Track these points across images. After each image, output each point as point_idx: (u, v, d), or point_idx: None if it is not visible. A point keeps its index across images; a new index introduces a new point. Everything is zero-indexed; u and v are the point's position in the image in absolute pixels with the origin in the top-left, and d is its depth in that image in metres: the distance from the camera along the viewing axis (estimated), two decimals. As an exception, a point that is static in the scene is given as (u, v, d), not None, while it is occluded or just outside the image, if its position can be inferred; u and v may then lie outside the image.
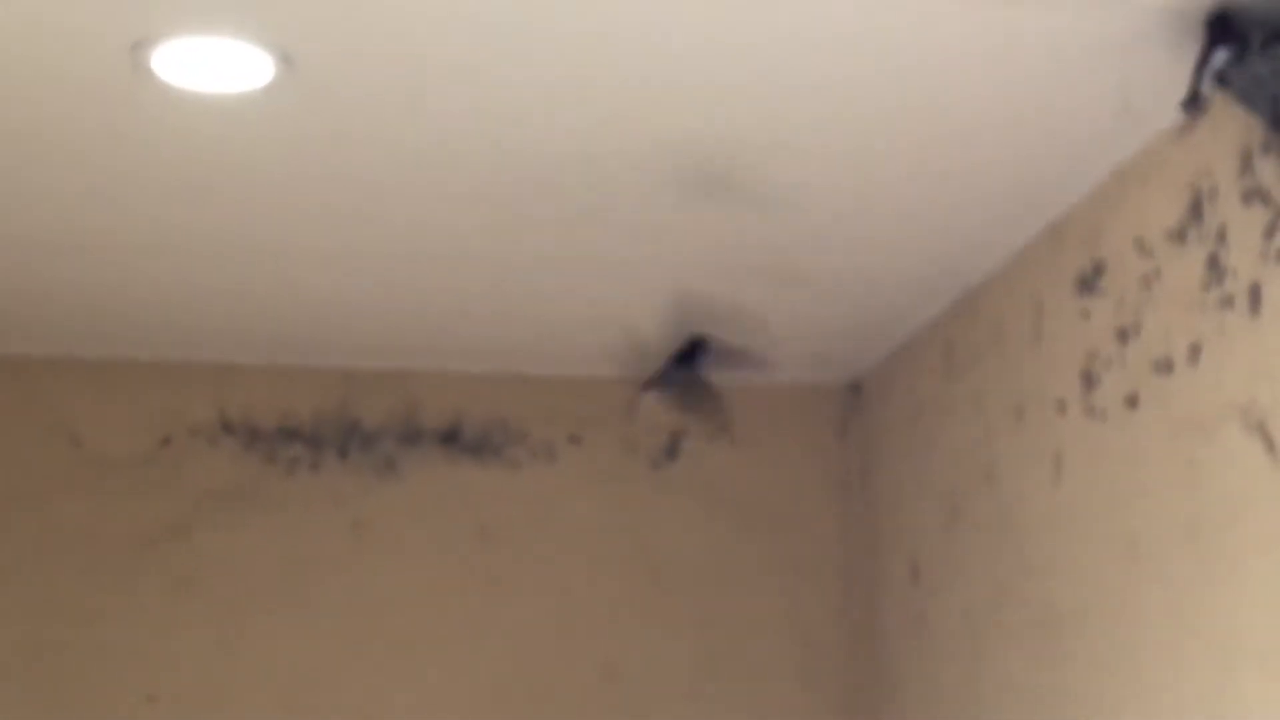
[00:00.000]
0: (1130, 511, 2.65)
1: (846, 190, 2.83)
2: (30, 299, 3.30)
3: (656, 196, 2.84)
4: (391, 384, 3.71)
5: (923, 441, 3.47)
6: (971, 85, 2.47)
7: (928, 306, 3.39)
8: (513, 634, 3.68)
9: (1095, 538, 2.76)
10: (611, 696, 3.68)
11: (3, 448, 3.58)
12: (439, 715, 3.63)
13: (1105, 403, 2.74)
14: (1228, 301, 2.39)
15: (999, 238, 3.03)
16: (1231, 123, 2.36)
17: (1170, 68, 2.33)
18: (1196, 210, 2.48)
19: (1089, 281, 2.80)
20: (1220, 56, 2.23)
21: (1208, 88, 2.27)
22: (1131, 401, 2.66)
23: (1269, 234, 2.31)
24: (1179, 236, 2.53)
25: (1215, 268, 2.43)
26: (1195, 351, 2.48)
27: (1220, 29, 2.21)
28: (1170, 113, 2.46)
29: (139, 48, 2.31)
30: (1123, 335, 2.69)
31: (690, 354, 3.19)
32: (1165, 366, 2.56)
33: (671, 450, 3.80)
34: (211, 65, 2.37)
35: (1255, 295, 2.34)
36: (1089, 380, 2.79)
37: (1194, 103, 2.28)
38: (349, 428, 3.70)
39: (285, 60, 2.35)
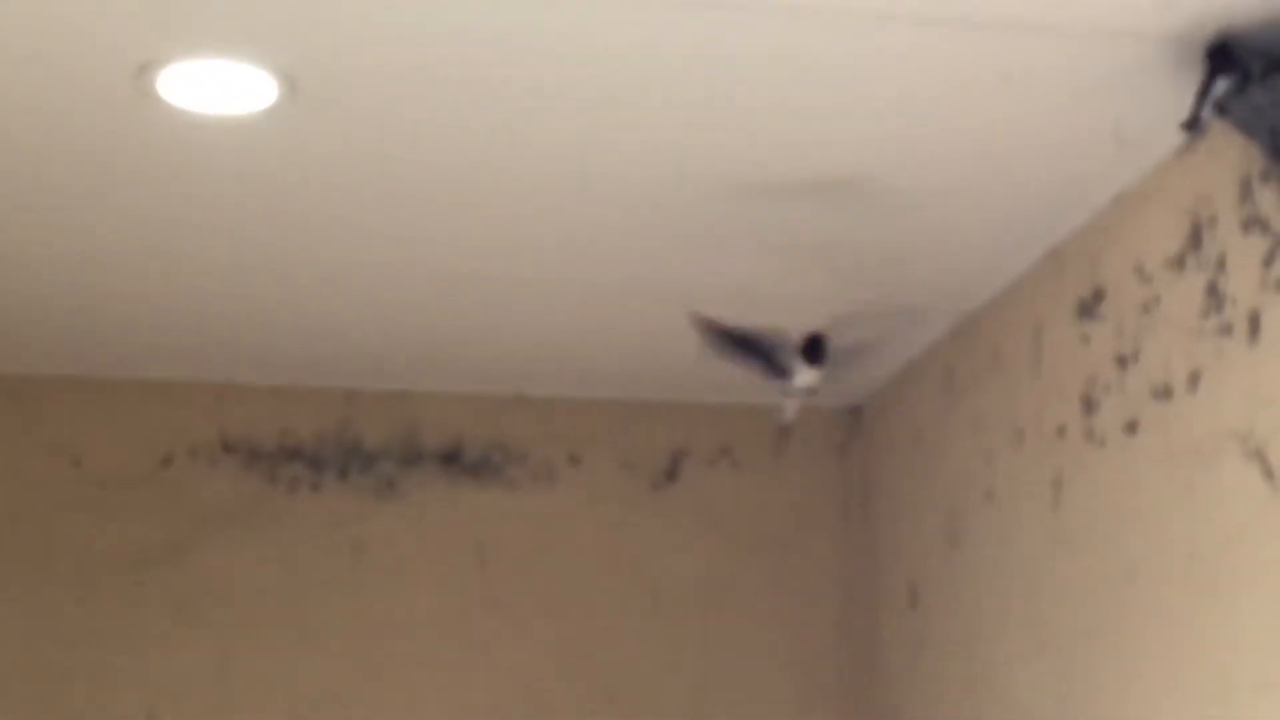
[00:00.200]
0: (1129, 537, 2.65)
1: (849, 216, 2.84)
2: (31, 318, 3.30)
3: (662, 219, 2.85)
4: (392, 405, 3.71)
5: (923, 465, 3.48)
6: (973, 113, 2.48)
7: (928, 331, 3.39)
8: (512, 655, 3.68)
9: (1094, 562, 2.76)
10: (611, 718, 3.68)
11: (2, 467, 3.58)
12: (438, 736, 3.63)
13: (1105, 428, 2.74)
14: (1227, 329, 2.40)
15: (999, 263, 3.03)
16: (1231, 151, 2.37)
17: (1171, 96, 2.34)
18: (1196, 238, 2.49)
19: (1089, 307, 2.81)
20: (1221, 86, 2.25)
21: (1208, 114, 2.29)
22: (1131, 427, 2.66)
23: (1268, 262, 2.31)
24: (1179, 264, 2.54)
25: (1214, 295, 2.44)
26: (1194, 378, 2.48)
27: (1221, 59, 2.23)
28: (1170, 141, 2.47)
29: (144, 70, 2.32)
30: (1122, 361, 2.70)
31: (814, 350, 2.98)
32: (1164, 393, 2.56)
33: (671, 472, 3.80)
34: (216, 87, 2.38)
35: (1254, 323, 2.34)
36: (1089, 405, 2.80)
37: (1194, 124, 2.29)
38: (350, 448, 3.70)
39: (289, 83, 2.36)
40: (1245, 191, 2.37)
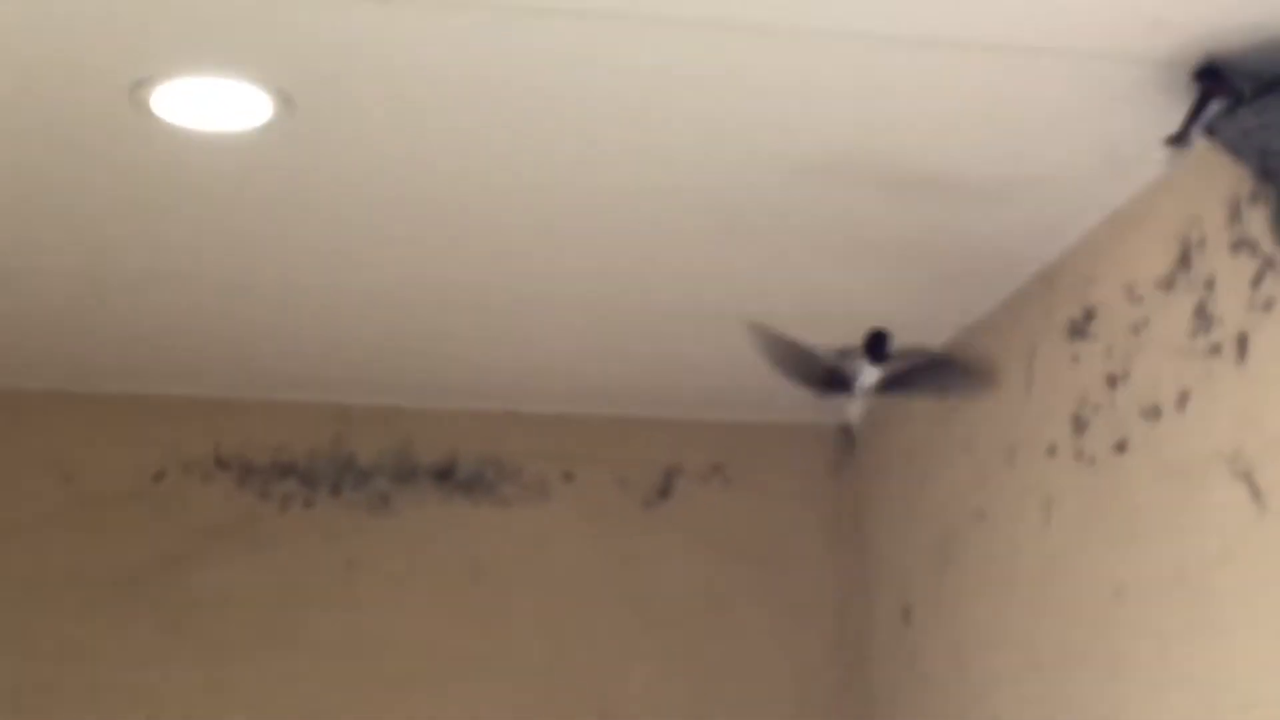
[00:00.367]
0: (1118, 556, 2.66)
1: (841, 233, 2.85)
2: (23, 332, 3.30)
3: (639, 239, 2.86)
4: (386, 421, 3.71)
5: (915, 483, 3.48)
6: (967, 135, 2.49)
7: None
8: (506, 671, 3.67)
9: (1084, 581, 2.77)
10: (604, 734, 3.69)
11: (-5, 481, 3.59)
12: (431, 752, 3.63)
13: (1095, 448, 2.75)
14: (1215, 350, 2.41)
15: (992, 283, 3.04)
16: (1220, 173, 2.38)
17: (1162, 118, 2.35)
18: (1186, 259, 2.50)
19: (1080, 327, 2.82)
20: (1212, 107, 2.26)
21: (1197, 135, 2.30)
22: (1120, 447, 2.67)
23: (1256, 283, 2.33)
24: (1168, 285, 2.55)
25: (1203, 316, 2.45)
26: (1183, 399, 2.49)
27: (1209, 81, 2.24)
28: (1161, 163, 2.48)
29: (139, 87, 2.32)
30: (1112, 381, 2.71)
31: (877, 346, 2.84)
32: (1154, 413, 2.57)
33: (664, 489, 3.81)
34: (211, 105, 2.39)
35: (1242, 344, 2.35)
36: (1079, 425, 2.81)
37: (1179, 139, 2.30)
38: (343, 464, 3.70)
39: (284, 100, 2.37)
40: (1234, 213, 2.38)
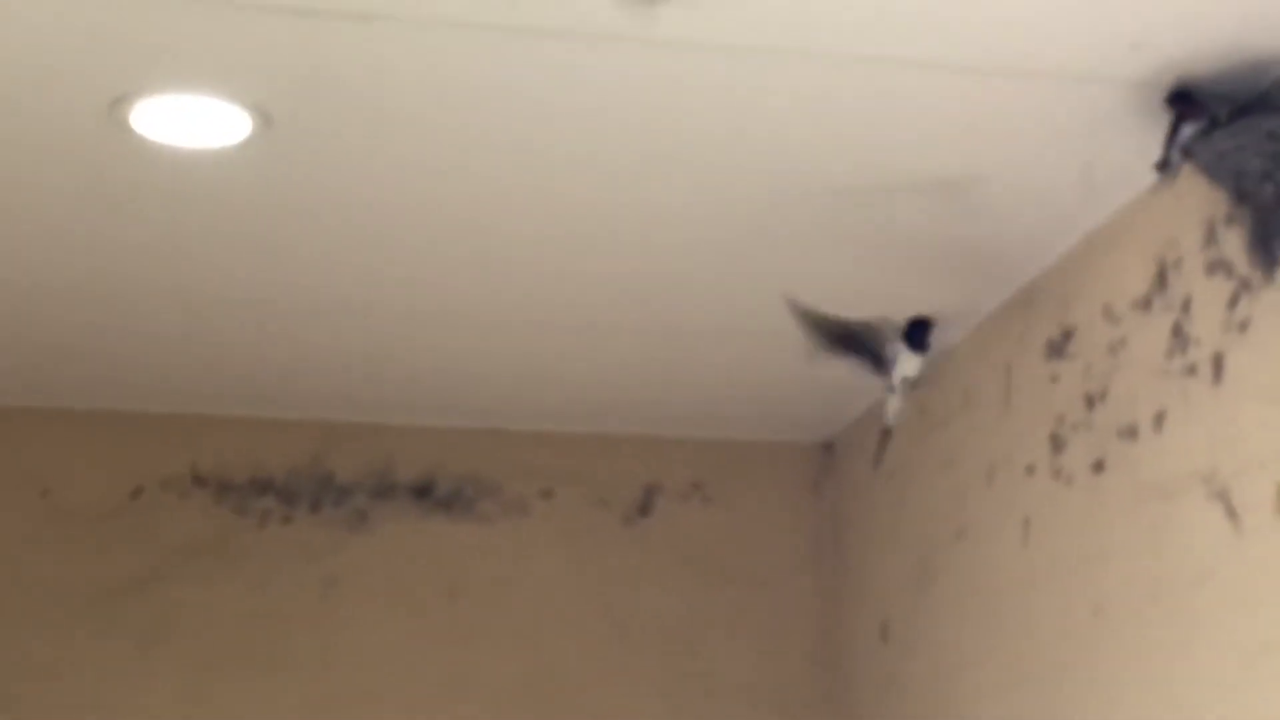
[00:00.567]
0: (1096, 575, 2.66)
1: (827, 254, 2.86)
2: (0, 348, 3.30)
3: (619, 256, 2.87)
4: (365, 438, 3.71)
5: (894, 501, 3.49)
6: (945, 155, 2.50)
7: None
8: (483, 688, 3.66)
9: (1062, 600, 2.78)
10: (582, 753, 3.68)
11: (-29, 498, 3.57)
12: (408, 771, 3.62)
13: (1073, 467, 2.76)
14: (1191, 370, 2.42)
15: (970, 302, 3.05)
16: (1197, 194, 2.39)
17: (1140, 140, 2.36)
18: (1163, 280, 2.51)
19: (1058, 347, 2.82)
20: (1187, 130, 2.27)
21: (1175, 158, 2.32)
22: (1098, 466, 2.68)
23: (1232, 304, 2.34)
24: (1145, 305, 2.56)
25: (1180, 336, 2.46)
26: (1160, 418, 2.50)
27: (1182, 105, 2.26)
28: (1138, 184, 2.50)
29: (118, 104, 2.33)
30: (1090, 401, 2.71)
31: (918, 334, 2.78)
32: (1131, 433, 2.58)
33: (644, 506, 3.81)
34: (190, 121, 2.39)
35: (1218, 365, 2.36)
36: (1057, 444, 2.82)
37: (1164, 166, 2.32)
38: (322, 481, 3.69)
39: (262, 117, 2.37)
40: (1210, 235, 2.39)
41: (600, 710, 3.69)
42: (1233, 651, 2.30)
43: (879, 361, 2.78)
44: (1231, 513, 2.31)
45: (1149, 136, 2.34)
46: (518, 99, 2.34)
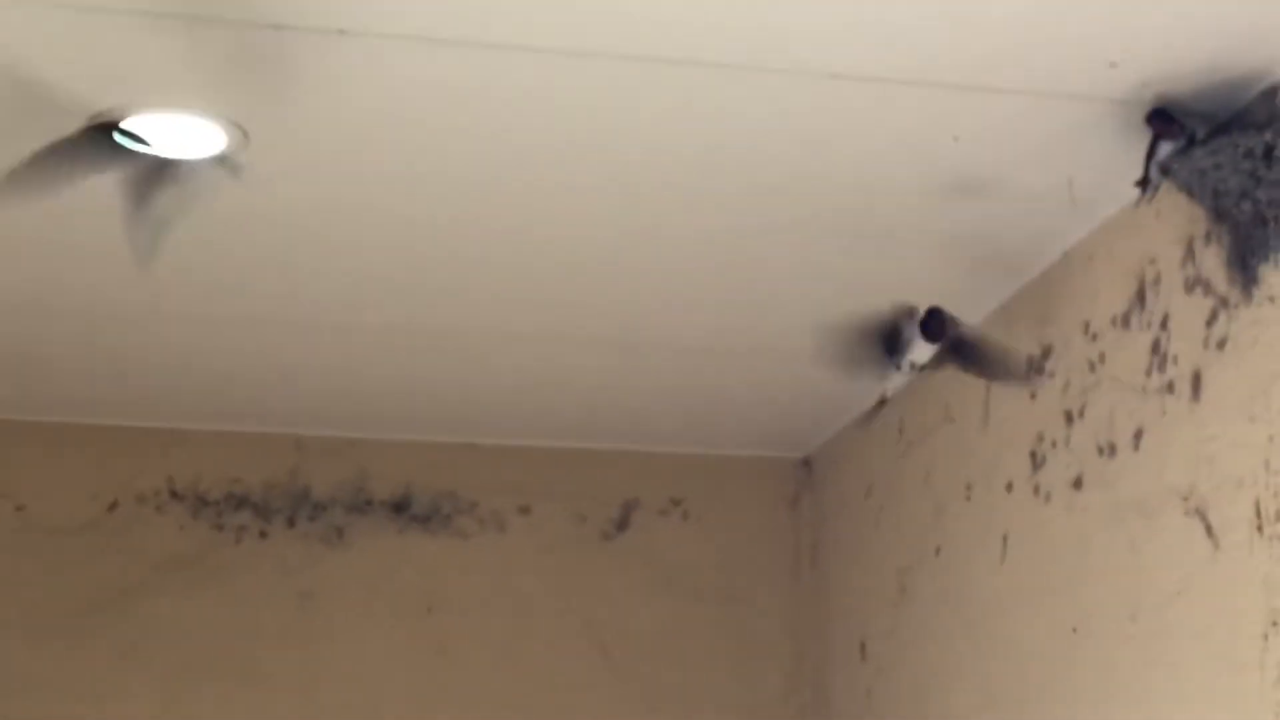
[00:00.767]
0: (1074, 592, 2.66)
1: (804, 275, 2.86)
2: (-24, 363, 3.28)
3: (594, 272, 2.86)
4: (342, 452, 3.70)
5: (873, 518, 3.48)
6: (925, 169, 2.50)
7: (880, 384, 3.40)
8: (461, 705, 3.65)
9: (1040, 618, 2.77)
10: (559, 769, 3.67)
11: (-55, 512, 3.55)
12: (385, 787, 3.61)
13: (1051, 484, 2.76)
14: (1170, 388, 2.42)
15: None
16: (1176, 212, 2.40)
17: (1119, 157, 2.37)
18: (1141, 297, 2.52)
19: (1037, 364, 2.83)
20: (1164, 149, 2.28)
21: (1155, 176, 2.32)
22: (1077, 484, 2.68)
23: (1210, 322, 2.34)
24: (1124, 322, 2.56)
25: (1158, 354, 2.46)
26: (1138, 436, 2.50)
27: (1160, 123, 2.26)
28: (1118, 201, 2.51)
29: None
30: (1069, 418, 2.71)
31: (933, 324, 2.76)
32: (1109, 450, 2.58)
33: (622, 522, 3.80)
34: (169, 135, 2.38)
35: (1196, 382, 2.37)
36: (1036, 461, 2.82)
37: (1145, 184, 2.33)
38: (298, 496, 3.68)
39: (241, 133, 2.37)
40: (1189, 252, 2.39)
41: (578, 725, 3.69)
42: (1211, 669, 2.30)
43: (892, 344, 2.80)
44: (1210, 531, 2.31)
45: (1129, 154, 2.35)
46: (492, 114, 2.34)
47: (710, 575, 3.80)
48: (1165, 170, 2.29)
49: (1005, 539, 2.91)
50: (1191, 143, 2.27)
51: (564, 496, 3.76)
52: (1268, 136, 2.19)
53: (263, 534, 3.65)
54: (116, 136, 2.33)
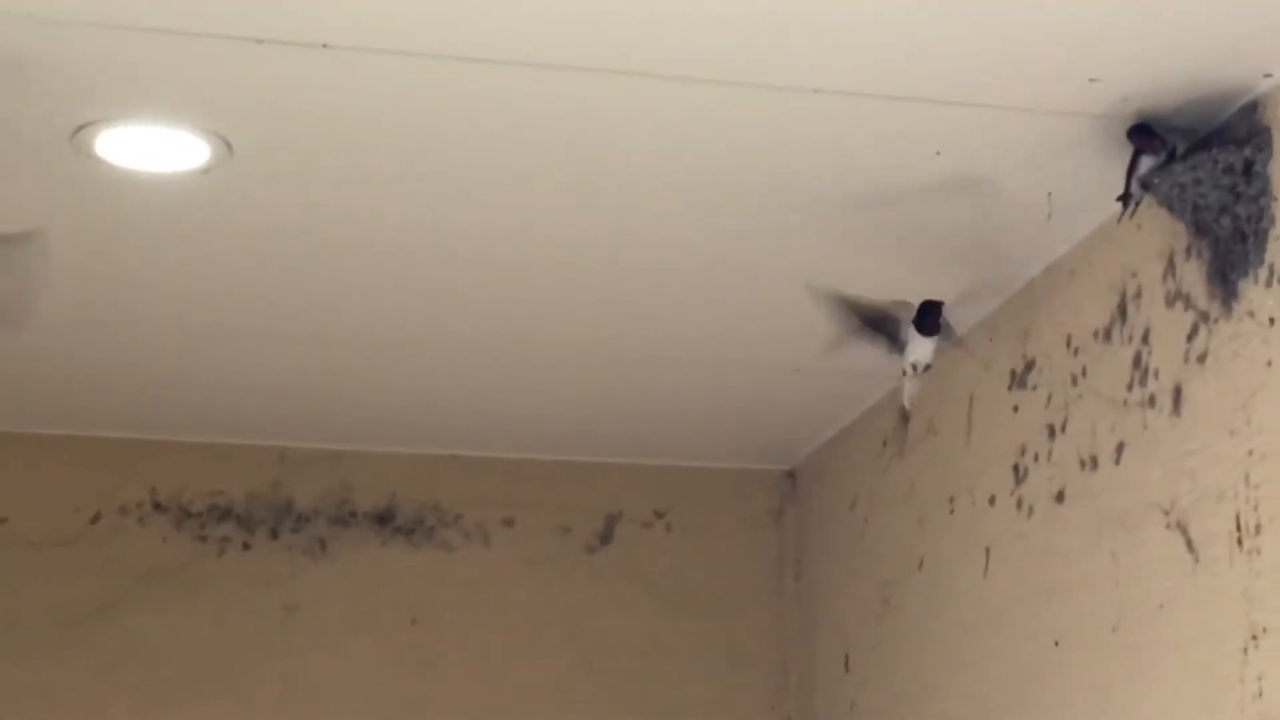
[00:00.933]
0: (1056, 605, 2.67)
1: (787, 280, 2.86)
2: (-42, 373, 3.28)
3: (579, 283, 2.87)
4: (325, 464, 3.69)
5: (857, 530, 3.49)
6: (908, 179, 2.51)
7: (864, 397, 3.41)
8: (444, 717, 3.65)
9: (1022, 630, 2.78)
10: (544, 780, 3.67)
11: (-73, 523, 3.54)
12: (369, 799, 3.60)
13: (1034, 497, 2.76)
14: (1151, 401, 2.43)
15: (932, 331, 3.05)
16: (1157, 227, 2.40)
17: (1101, 172, 2.38)
18: (1123, 311, 2.52)
19: (1020, 377, 2.83)
20: (1145, 164, 2.29)
21: (1136, 191, 2.33)
22: (1059, 497, 2.68)
23: (1191, 337, 2.35)
24: (1106, 336, 2.57)
25: (1139, 368, 2.47)
26: (1120, 449, 2.51)
27: (1141, 138, 2.27)
28: (1100, 215, 2.51)
29: (82, 130, 2.32)
30: (1051, 431, 2.72)
31: (926, 318, 2.73)
32: (1091, 463, 2.58)
33: (606, 534, 3.80)
34: (154, 146, 2.39)
35: (1177, 396, 2.37)
36: (1019, 474, 2.82)
37: (1126, 199, 2.34)
38: (282, 508, 3.68)
39: (224, 144, 2.37)
40: (1170, 267, 2.40)
41: (562, 738, 3.68)
42: (1192, 682, 2.30)
43: (895, 342, 2.79)
44: (1190, 544, 2.31)
45: (1110, 169, 2.35)
46: (474, 128, 2.34)
47: (695, 587, 3.80)
48: (1146, 185, 2.30)
49: (988, 551, 2.91)
50: (1172, 158, 2.28)
51: (548, 509, 3.76)
52: (1247, 152, 2.20)
53: (246, 546, 3.65)
54: None
